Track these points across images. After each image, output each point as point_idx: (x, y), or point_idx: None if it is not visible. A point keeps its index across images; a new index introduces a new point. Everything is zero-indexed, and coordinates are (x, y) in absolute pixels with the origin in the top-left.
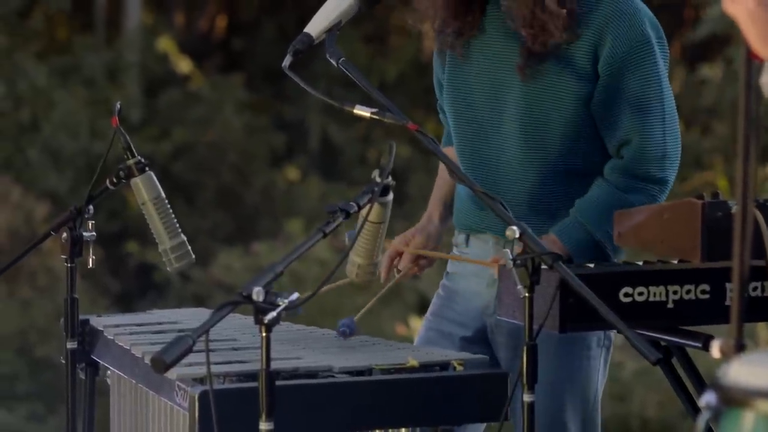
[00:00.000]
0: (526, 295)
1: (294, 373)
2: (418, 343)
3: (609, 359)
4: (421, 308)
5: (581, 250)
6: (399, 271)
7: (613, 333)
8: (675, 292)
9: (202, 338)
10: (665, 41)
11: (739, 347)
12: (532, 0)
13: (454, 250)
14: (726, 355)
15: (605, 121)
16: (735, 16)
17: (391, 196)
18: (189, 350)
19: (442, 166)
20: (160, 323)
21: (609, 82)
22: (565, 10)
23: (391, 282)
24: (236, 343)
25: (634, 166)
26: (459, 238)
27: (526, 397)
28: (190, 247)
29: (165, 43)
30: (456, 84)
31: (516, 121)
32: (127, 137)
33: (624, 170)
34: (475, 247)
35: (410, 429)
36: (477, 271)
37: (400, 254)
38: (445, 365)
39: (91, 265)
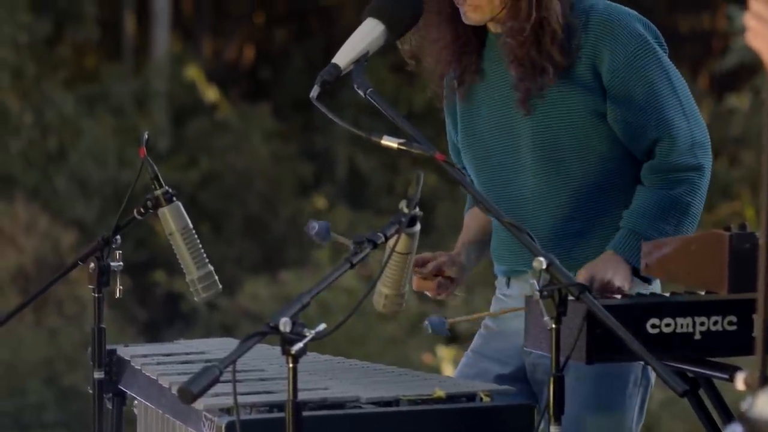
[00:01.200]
0: (553, 326)
1: (321, 404)
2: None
3: (647, 399)
4: (448, 338)
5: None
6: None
7: (652, 372)
8: (702, 324)
9: (230, 368)
10: (662, 38)
11: (764, 380)
12: (530, 40)
13: (497, 293)
14: (751, 388)
15: (628, 129)
16: (758, 49)
17: (418, 227)
18: (216, 380)
19: (471, 217)
20: (187, 353)
21: (619, 92)
22: (562, 58)
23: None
24: (263, 373)
25: (667, 162)
26: (500, 281)
27: (553, 429)
28: (217, 278)
29: (192, 72)
30: (469, 132)
31: (530, 153)
32: (155, 167)
33: (659, 169)
34: (516, 288)
35: None
36: (520, 313)
37: (425, 264)
38: (471, 396)
39: (118, 295)
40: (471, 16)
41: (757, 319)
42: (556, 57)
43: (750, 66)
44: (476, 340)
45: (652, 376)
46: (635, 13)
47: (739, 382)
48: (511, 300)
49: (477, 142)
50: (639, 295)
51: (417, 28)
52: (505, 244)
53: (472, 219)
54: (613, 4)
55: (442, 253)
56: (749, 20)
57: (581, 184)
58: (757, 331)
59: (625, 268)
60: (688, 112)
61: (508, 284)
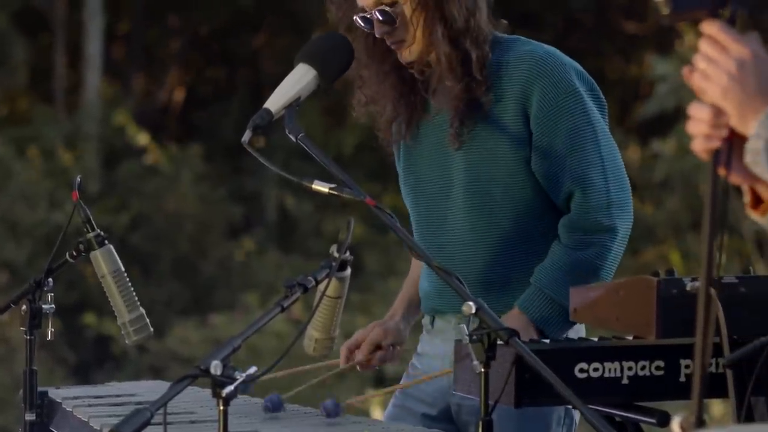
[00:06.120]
0: (482, 370)
1: None
2: (384, 419)
3: None
4: (378, 381)
5: (548, 318)
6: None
7: (575, 412)
8: (630, 368)
9: (161, 411)
10: (599, 91)
11: (700, 423)
12: (453, 60)
13: (423, 331)
14: None
15: (547, 178)
16: (706, 91)
17: (348, 272)
18: (147, 423)
19: (413, 267)
20: (118, 396)
21: (542, 138)
22: (481, 75)
23: (344, 367)
24: (194, 416)
25: (580, 218)
26: (426, 319)
27: None
28: (148, 320)
29: (121, 116)
30: (408, 166)
31: (461, 194)
32: (87, 211)
33: (572, 226)
34: (440, 327)
35: None
36: (443, 352)
37: (358, 346)
38: None
39: (50, 337)
40: (403, 54)
41: (695, 362)
42: (476, 74)
43: (674, 112)
44: (403, 381)
45: (576, 415)
46: (574, 63)
47: (675, 426)
48: (436, 338)
49: (413, 175)
50: (567, 339)
51: (363, 80)
52: (430, 283)
53: (414, 263)
54: (555, 51)
55: (373, 325)
56: (699, 62)
57: (509, 231)
58: (695, 374)
59: (528, 328)
60: (609, 169)
61: (432, 323)
